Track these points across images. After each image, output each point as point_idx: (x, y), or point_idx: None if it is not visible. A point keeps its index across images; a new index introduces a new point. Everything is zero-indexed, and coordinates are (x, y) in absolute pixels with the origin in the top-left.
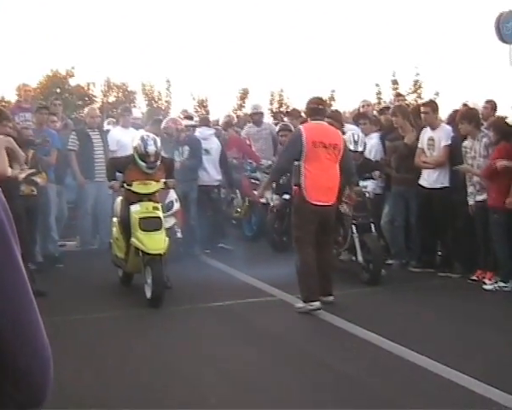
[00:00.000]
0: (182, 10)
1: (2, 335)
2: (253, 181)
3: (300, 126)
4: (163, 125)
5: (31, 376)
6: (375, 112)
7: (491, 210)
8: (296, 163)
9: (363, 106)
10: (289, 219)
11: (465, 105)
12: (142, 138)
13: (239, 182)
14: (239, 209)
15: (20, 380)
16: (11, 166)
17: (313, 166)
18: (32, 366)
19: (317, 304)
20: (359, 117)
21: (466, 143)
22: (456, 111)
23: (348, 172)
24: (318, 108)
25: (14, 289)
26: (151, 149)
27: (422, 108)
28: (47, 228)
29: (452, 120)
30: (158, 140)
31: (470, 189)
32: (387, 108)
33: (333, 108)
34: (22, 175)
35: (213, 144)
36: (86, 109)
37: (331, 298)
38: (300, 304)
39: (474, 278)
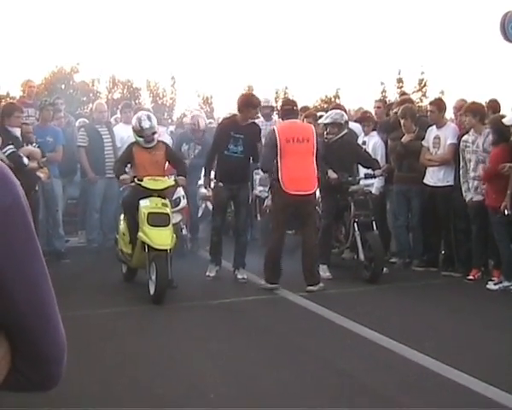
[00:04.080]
0: (187, 7)
1: (26, 323)
2: None
3: (274, 127)
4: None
5: (49, 361)
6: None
7: (492, 211)
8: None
9: (378, 106)
10: None
11: (463, 101)
12: (137, 117)
13: None
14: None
15: (39, 365)
16: (28, 157)
17: (288, 159)
18: (52, 352)
19: (275, 286)
20: (363, 120)
21: (466, 137)
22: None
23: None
24: (292, 110)
25: (37, 275)
26: (145, 124)
27: (429, 107)
28: (54, 224)
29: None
30: (152, 116)
31: (465, 186)
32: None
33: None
34: (29, 166)
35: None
36: (94, 104)
37: (314, 288)
38: (263, 281)
39: (471, 277)
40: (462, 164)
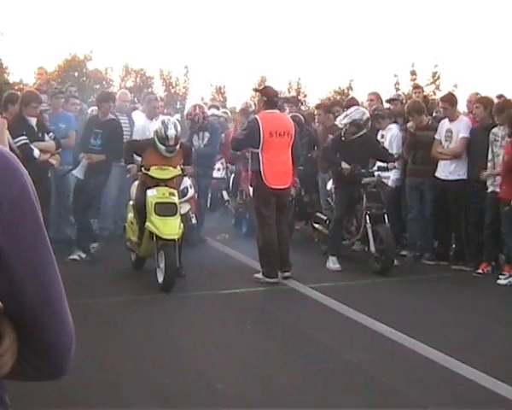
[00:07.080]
0: None
1: (33, 311)
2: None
3: (257, 117)
4: (187, 110)
5: (57, 350)
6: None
7: (502, 202)
8: (254, 151)
9: (371, 99)
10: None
11: (477, 94)
12: (163, 122)
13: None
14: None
15: (46, 354)
16: (41, 150)
17: (270, 153)
18: (60, 340)
19: (274, 280)
20: (374, 118)
21: (496, 131)
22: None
23: (296, 158)
24: (274, 100)
25: (44, 264)
26: (171, 132)
27: (441, 104)
28: (65, 211)
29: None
30: (178, 124)
31: (491, 179)
32: (393, 99)
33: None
34: (40, 158)
35: None
36: (118, 93)
37: (287, 274)
38: (260, 275)
39: (480, 271)
40: (490, 157)
